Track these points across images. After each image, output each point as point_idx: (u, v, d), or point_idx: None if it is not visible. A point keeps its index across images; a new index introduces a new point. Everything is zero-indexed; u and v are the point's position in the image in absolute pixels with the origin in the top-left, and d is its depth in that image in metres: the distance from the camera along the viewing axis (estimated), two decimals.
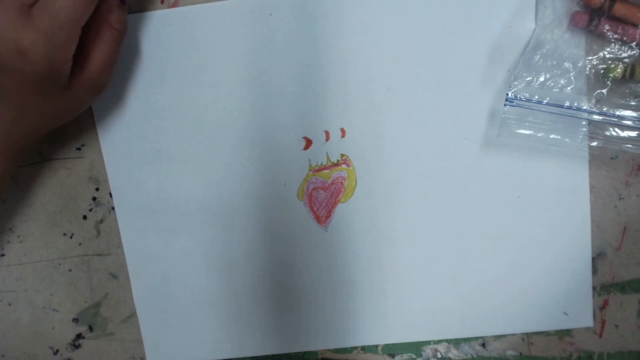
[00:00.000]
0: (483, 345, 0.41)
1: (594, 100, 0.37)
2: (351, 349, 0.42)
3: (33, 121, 0.36)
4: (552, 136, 0.37)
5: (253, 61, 0.40)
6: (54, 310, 0.43)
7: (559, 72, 0.37)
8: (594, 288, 0.40)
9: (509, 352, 0.41)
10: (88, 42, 0.35)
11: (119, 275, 0.43)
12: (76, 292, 0.43)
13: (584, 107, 0.37)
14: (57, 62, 0.33)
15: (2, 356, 0.43)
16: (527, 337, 0.41)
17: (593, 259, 0.40)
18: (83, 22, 0.33)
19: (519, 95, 0.37)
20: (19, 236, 0.43)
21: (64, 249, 0.43)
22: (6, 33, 0.32)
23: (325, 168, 0.40)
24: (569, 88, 0.37)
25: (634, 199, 0.39)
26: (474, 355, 0.41)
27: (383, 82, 0.39)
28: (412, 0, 0.39)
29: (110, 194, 0.42)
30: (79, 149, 0.42)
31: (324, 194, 0.41)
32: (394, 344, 0.42)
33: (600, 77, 0.37)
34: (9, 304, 0.44)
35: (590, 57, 0.37)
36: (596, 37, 0.37)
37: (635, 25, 0.36)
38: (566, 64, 0.37)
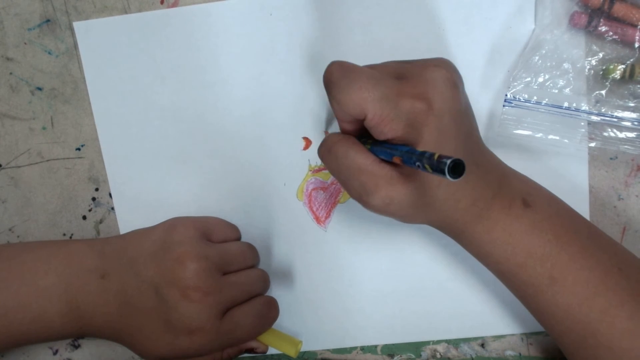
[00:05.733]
0: (482, 345, 0.41)
1: (593, 101, 0.37)
2: (351, 349, 0.42)
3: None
4: (550, 137, 0.37)
5: (253, 61, 0.40)
6: None
7: (558, 72, 0.37)
8: None
9: (509, 353, 0.41)
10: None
11: None
12: None
13: (583, 108, 0.37)
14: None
15: (2, 356, 0.43)
16: (527, 337, 0.41)
17: None
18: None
19: (517, 96, 0.37)
20: (18, 236, 0.43)
21: None
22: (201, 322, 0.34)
23: (324, 168, 0.40)
24: (568, 89, 0.37)
25: (633, 200, 0.39)
26: (473, 356, 0.41)
27: None
28: (412, 1, 0.39)
29: (110, 194, 0.42)
30: (78, 149, 0.42)
31: (323, 194, 0.41)
32: (393, 344, 0.42)
33: (599, 78, 0.37)
34: None
35: (589, 58, 0.37)
36: (595, 37, 0.37)
37: (634, 26, 0.36)
38: (565, 65, 0.37)
